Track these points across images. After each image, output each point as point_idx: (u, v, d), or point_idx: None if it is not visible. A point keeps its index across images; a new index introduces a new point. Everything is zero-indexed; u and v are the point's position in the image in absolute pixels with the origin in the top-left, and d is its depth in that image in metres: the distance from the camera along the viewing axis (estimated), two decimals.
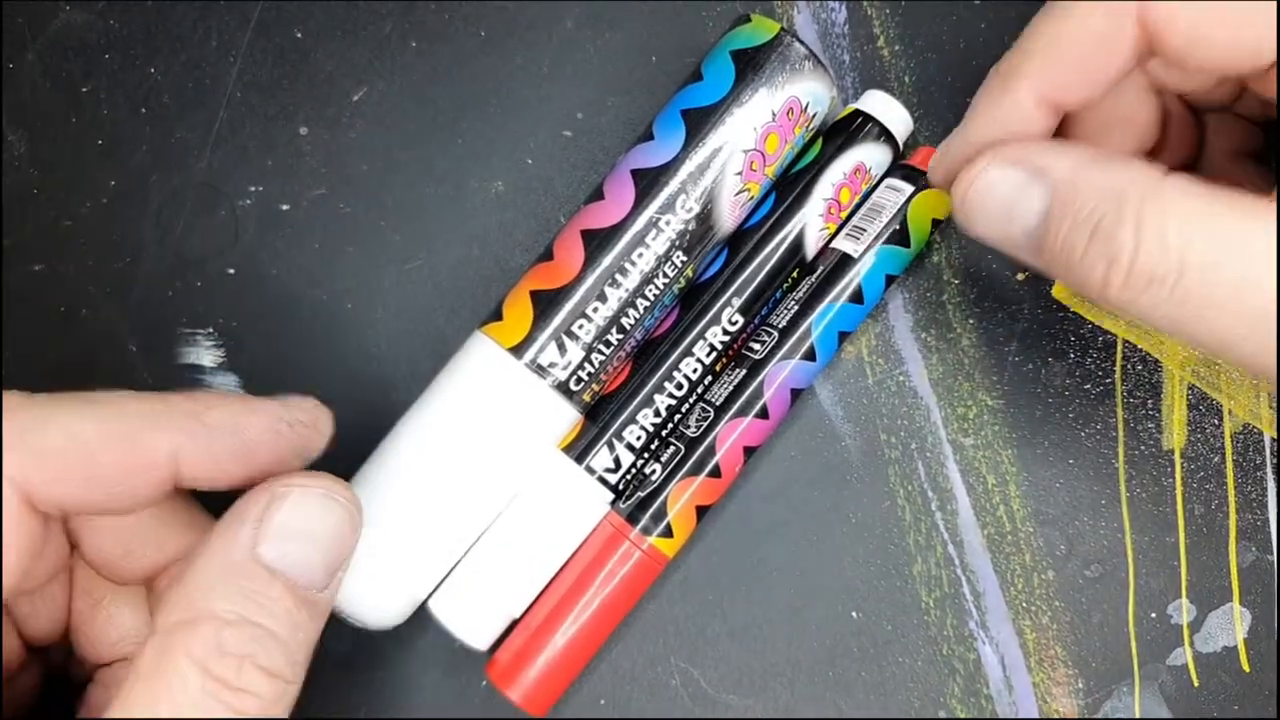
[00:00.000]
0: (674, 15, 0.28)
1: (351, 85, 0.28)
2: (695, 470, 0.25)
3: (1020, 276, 0.28)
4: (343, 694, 0.27)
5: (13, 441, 0.18)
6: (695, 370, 0.25)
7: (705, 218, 0.24)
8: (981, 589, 0.27)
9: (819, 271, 0.26)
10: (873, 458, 0.27)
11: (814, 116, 0.25)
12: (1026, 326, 0.28)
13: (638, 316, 0.25)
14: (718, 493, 0.26)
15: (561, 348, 0.24)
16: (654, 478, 0.25)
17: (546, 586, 0.25)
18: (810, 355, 0.26)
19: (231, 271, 0.28)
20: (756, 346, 0.26)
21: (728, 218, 0.25)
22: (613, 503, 0.25)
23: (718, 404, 0.26)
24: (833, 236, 0.26)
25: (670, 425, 0.26)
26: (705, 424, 0.25)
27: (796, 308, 0.26)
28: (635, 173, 0.24)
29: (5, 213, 0.28)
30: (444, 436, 0.24)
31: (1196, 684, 0.27)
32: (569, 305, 0.24)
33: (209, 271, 0.28)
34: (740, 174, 0.24)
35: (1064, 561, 0.27)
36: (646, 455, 0.25)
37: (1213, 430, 0.27)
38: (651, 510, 0.25)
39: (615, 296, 0.24)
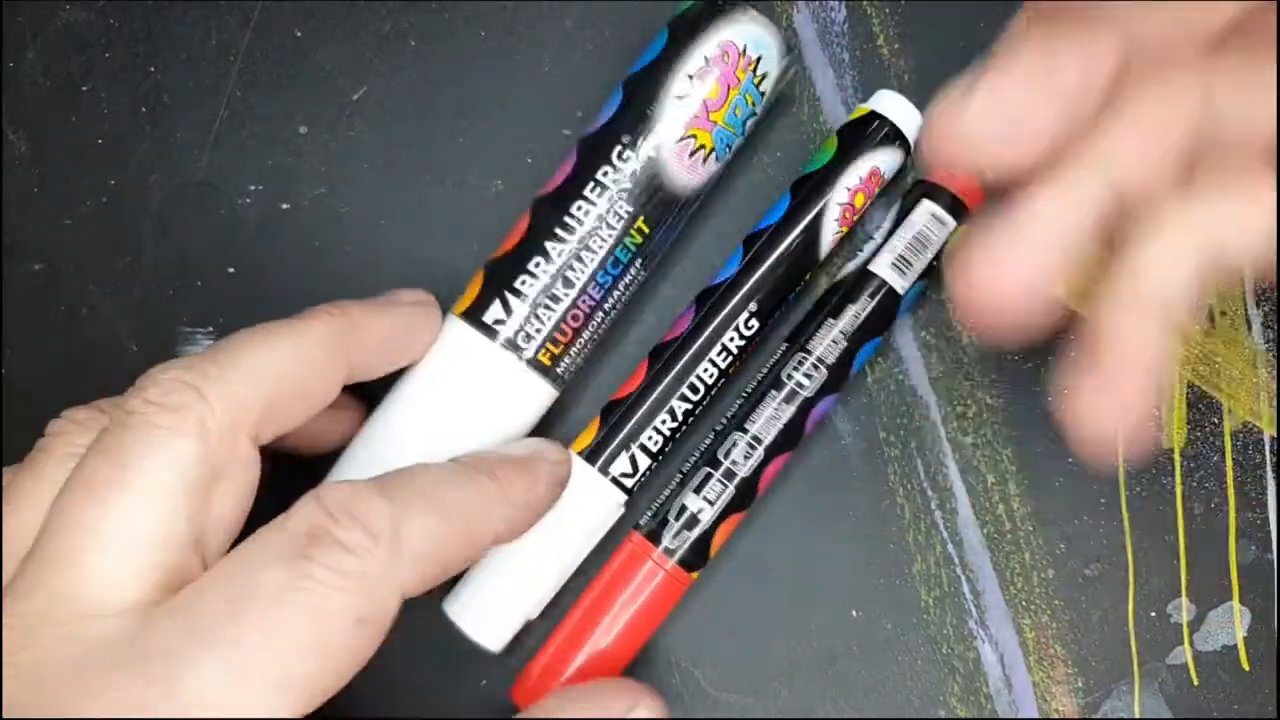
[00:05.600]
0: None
1: (351, 85, 0.28)
2: (739, 507, 0.26)
3: None
4: (343, 694, 0.27)
5: (402, 554, 0.19)
6: (711, 375, 0.26)
7: (650, 168, 0.24)
8: (981, 588, 0.27)
9: (866, 305, 0.26)
10: (872, 456, 0.27)
11: (759, 60, 0.25)
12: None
13: (586, 271, 0.24)
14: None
15: (506, 306, 0.24)
16: (703, 517, 0.25)
17: (574, 605, 0.25)
18: (844, 386, 0.26)
19: (231, 271, 0.28)
20: (805, 382, 0.26)
21: (677, 167, 0.25)
22: (626, 503, 0.26)
23: (766, 442, 0.26)
24: (870, 259, 0.26)
25: (716, 461, 0.26)
26: (757, 463, 0.25)
27: (846, 343, 0.26)
28: (580, 141, 0.25)
29: (5, 213, 0.28)
30: (401, 411, 0.24)
31: (1196, 683, 0.27)
32: (514, 265, 0.24)
33: (209, 271, 0.28)
34: (682, 124, 0.25)
35: (1063, 560, 0.27)
36: (661, 459, 0.26)
37: (1213, 429, 0.27)
38: (698, 549, 0.25)
39: (557, 251, 0.24)
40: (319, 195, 0.28)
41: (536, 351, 0.24)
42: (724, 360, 0.26)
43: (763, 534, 0.27)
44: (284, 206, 0.28)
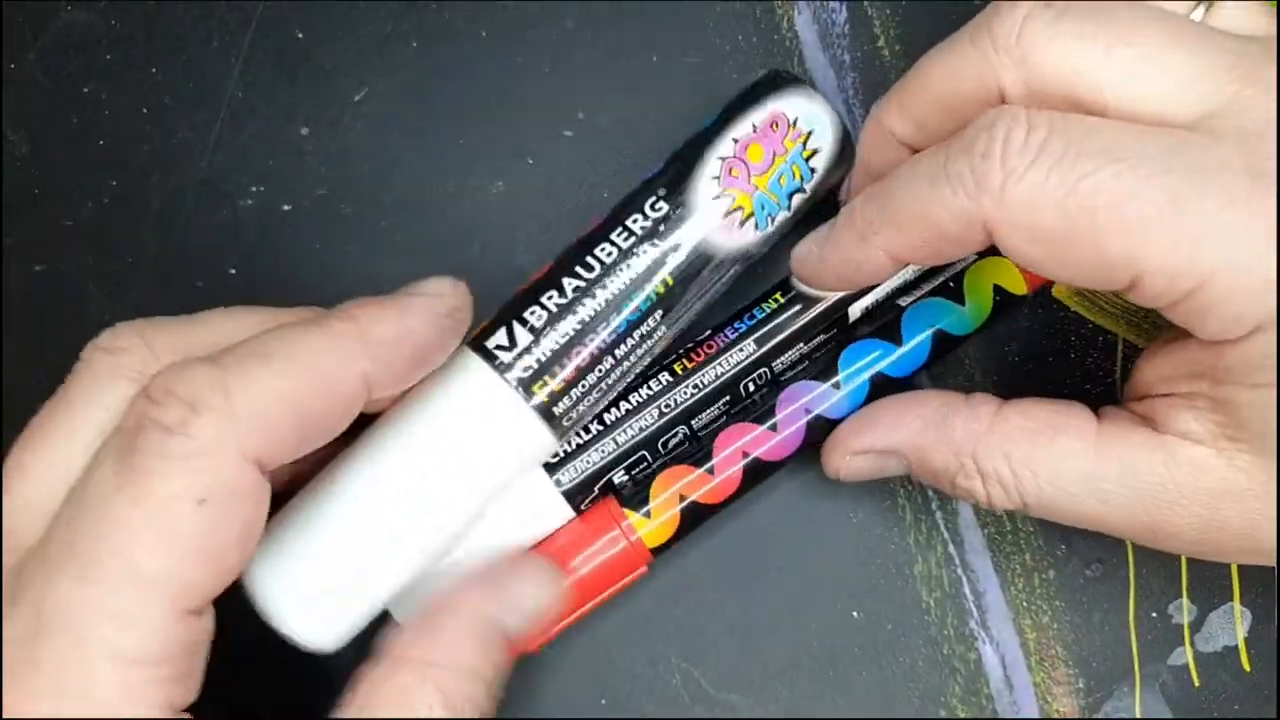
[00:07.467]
0: (674, 15, 0.28)
1: (352, 85, 0.28)
2: (685, 459, 0.25)
3: None
4: (342, 694, 0.27)
5: (236, 415, 0.18)
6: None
7: (681, 218, 0.23)
8: (982, 588, 0.27)
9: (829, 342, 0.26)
10: None
11: (810, 134, 0.24)
12: (1026, 326, 0.28)
13: (598, 310, 0.23)
14: (710, 491, 0.25)
15: (512, 335, 0.23)
16: (650, 461, 0.25)
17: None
18: (836, 385, 0.25)
19: (232, 271, 0.28)
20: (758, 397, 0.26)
21: (712, 224, 0.24)
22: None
23: (732, 410, 0.26)
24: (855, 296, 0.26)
25: (655, 447, 0.25)
26: (713, 423, 0.26)
27: (834, 344, 0.26)
28: (618, 204, 0.24)
29: (5, 213, 0.28)
30: (389, 428, 0.23)
31: (1197, 684, 0.27)
32: (528, 298, 0.23)
33: (209, 271, 0.28)
34: (718, 178, 0.24)
35: (1064, 561, 0.27)
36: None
37: None
38: (636, 485, 0.25)
39: (572, 287, 0.23)
40: (319, 195, 0.28)
41: (532, 383, 0.23)
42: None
43: (763, 534, 0.27)
44: (285, 207, 0.28)
